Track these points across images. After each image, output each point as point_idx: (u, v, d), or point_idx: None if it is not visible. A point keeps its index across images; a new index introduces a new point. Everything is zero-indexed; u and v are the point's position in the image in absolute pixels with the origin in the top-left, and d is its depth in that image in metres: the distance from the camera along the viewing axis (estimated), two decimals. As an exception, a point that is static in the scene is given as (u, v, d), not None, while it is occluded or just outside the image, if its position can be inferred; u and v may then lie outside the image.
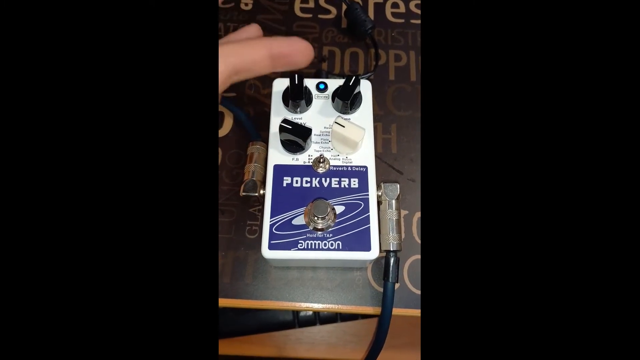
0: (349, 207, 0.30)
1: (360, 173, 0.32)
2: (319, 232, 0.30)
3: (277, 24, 0.45)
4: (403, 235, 0.36)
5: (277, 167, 0.32)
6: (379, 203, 0.32)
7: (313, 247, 0.29)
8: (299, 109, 0.33)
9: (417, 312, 0.34)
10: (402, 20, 0.46)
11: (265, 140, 0.33)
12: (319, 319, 0.50)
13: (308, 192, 0.31)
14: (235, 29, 0.45)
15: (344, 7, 0.44)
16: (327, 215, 0.29)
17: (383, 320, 0.32)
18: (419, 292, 0.35)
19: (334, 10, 0.46)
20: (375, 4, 0.47)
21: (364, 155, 0.32)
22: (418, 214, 0.37)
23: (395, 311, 0.33)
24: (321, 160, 0.31)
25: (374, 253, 0.29)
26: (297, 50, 0.26)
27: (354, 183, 0.31)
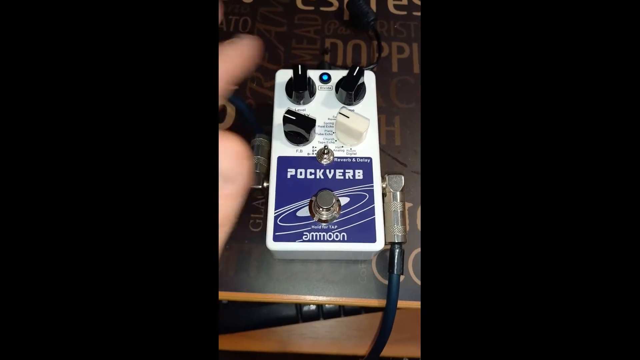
0: (354, 199, 0.30)
1: (365, 164, 0.31)
2: (324, 224, 0.29)
3: (279, 16, 0.45)
4: (408, 227, 0.35)
5: (281, 159, 0.31)
6: (383, 195, 0.32)
7: (318, 238, 0.29)
8: (302, 100, 0.33)
9: (422, 305, 0.34)
10: (405, 12, 0.46)
11: (268, 133, 0.33)
12: (322, 313, 0.50)
13: (312, 184, 0.30)
14: (236, 22, 0.45)
15: (346, -1, 0.44)
16: (332, 206, 0.28)
17: (388, 312, 0.32)
18: (424, 284, 0.35)
19: (336, 2, 0.46)
20: (378, -4, 0.47)
21: (369, 147, 0.32)
22: (422, 206, 0.37)
23: (400, 304, 0.33)
24: (325, 152, 0.31)
25: (379, 244, 0.29)
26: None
27: (359, 174, 0.31)
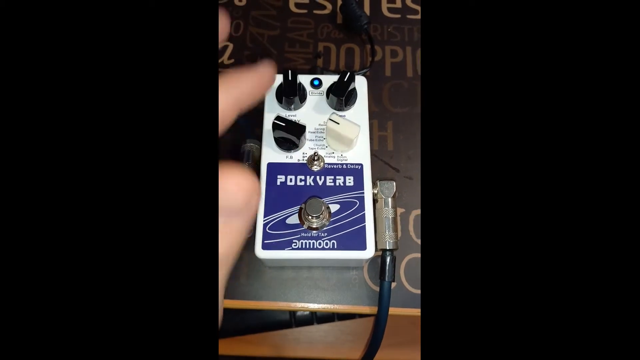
0: (344, 206, 0.30)
1: (356, 171, 0.31)
2: (314, 232, 0.29)
3: (272, 20, 0.45)
4: (399, 234, 0.35)
5: (270, 165, 0.31)
6: (375, 201, 0.32)
7: (307, 246, 0.29)
8: (292, 106, 0.32)
9: (413, 312, 0.34)
10: (399, 16, 0.45)
11: (259, 137, 0.33)
12: (316, 318, 0.50)
13: (302, 191, 0.30)
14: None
15: (340, 2, 0.44)
16: (321, 214, 0.28)
17: (380, 320, 0.32)
18: (415, 291, 0.34)
19: (329, 5, 0.46)
20: (371, -1, 0.46)
21: (359, 153, 0.32)
22: (415, 212, 0.37)
23: (392, 310, 0.33)
24: (315, 158, 0.31)
25: (369, 252, 0.29)
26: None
27: (349, 181, 0.31)
